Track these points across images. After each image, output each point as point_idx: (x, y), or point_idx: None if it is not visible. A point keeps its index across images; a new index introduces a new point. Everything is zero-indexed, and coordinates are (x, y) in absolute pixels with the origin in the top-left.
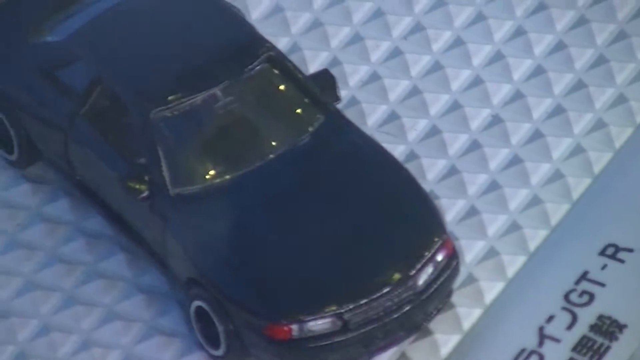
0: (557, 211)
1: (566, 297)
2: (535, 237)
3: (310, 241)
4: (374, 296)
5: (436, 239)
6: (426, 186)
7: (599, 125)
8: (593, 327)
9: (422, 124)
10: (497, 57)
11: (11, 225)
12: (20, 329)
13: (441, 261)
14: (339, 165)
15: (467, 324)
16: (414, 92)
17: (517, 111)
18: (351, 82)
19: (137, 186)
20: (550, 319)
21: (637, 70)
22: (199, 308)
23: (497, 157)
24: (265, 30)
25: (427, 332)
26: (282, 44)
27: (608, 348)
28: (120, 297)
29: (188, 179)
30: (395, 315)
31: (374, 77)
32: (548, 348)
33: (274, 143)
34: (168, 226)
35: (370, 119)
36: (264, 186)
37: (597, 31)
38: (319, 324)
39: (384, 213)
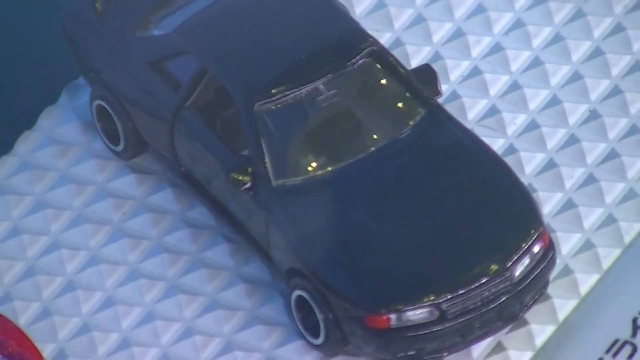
0: None
1: None
2: (631, 230)
3: (409, 232)
4: (472, 286)
5: (533, 231)
6: (524, 179)
7: None
8: None
9: (522, 119)
10: (596, 53)
11: (117, 215)
12: (123, 317)
13: (537, 253)
14: (439, 158)
15: (562, 315)
16: (514, 87)
17: (615, 107)
18: (452, 76)
19: (241, 177)
20: None
21: None
22: (299, 297)
23: (595, 151)
24: (369, 25)
25: (523, 322)
26: (385, 39)
27: None
28: (222, 286)
29: (291, 170)
30: (492, 306)
31: (475, 72)
32: None
33: (375, 136)
34: (270, 217)
35: (470, 113)
36: (365, 178)
37: None
38: (417, 314)
39: (482, 205)
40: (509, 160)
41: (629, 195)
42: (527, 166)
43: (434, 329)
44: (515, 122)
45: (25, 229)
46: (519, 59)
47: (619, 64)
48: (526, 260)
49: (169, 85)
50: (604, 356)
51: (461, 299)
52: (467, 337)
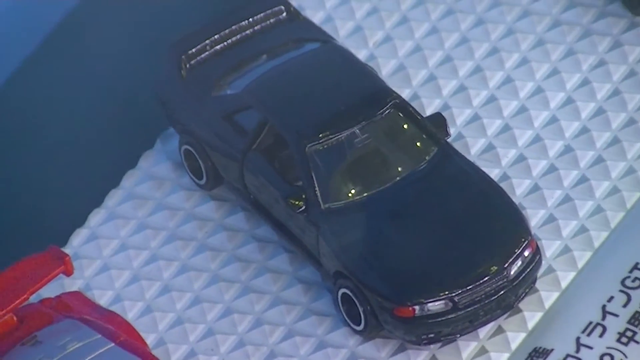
0: (615, 218)
1: (622, 282)
2: (599, 237)
3: (427, 242)
4: (477, 283)
5: (523, 239)
6: (516, 200)
7: None
8: None
9: (512, 153)
10: (568, 101)
11: (200, 234)
12: (208, 312)
13: (527, 256)
14: (449, 184)
15: (547, 304)
16: (506, 128)
17: (584, 142)
18: (458, 121)
19: (296, 202)
20: (610, 299)
21: None
22: (344, 294)
23: (569, 177)
24: (393, 83)
25: (517, 310)
26: (405, 93)
27: None
28: (284, 286)
29: (335, 196)
30: (493, 298)
31: (475, 118)
32: (609, 321)
33: (399, 169)
34: (320, 232)
35: (472, 149)
36: (392, 201)
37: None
38: (435, 305)
39: (483, 220)
40: (503, 185)
41: (597, 210)
42: (518, 189)
43: (449, 317)
44: (507, 156)
45: (130, 245)
46: (509, 107)
47: (586, 108)
48: (519, 262)
49: (238, 133)
50: (581, 335)
51: (469, 293)
52: (474, 322)
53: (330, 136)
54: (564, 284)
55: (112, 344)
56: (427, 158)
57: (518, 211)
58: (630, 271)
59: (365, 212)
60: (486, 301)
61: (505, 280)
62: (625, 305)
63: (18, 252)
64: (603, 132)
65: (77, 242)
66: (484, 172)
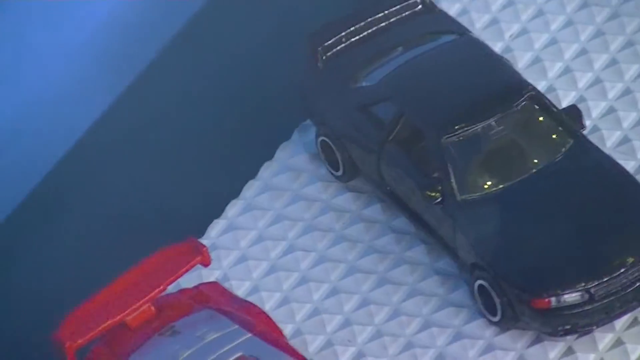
0: None
1: None
2: None
3: (563, 234)
4: (613, 275)
5: None
6: None
7: None
8: None
9: None
10: None
11: (338, 225)
12: (345, 303)
13: None
14: (585, 177)
15: None
16: None
17: None
18: (593, 114)
19: (433, 194)
20: None
21: None
22: (480, 286)
23: None
24: (528, 76)
25: None
26: (540, 86)
27: None
28: (420, 277)
29: (471, 188)
30: (630, 289)
31: (610, 110)
32: None
33: (535, 161)
34: (456, 224)
35: (608, 142)
36: (528, 193)
37: None
38: (572, 297)
39: (619, 212)
40: (639, 178)
41: None
42: None
43: (585, 308)
44: None
45: (267, 236)
46: None
47: None
48: None
49: (375, 125)
50: None
51: (605, 284)
52: (610, 314)
53: (466, 128)
54: None
55: (250, 335)
56: (562, 150)
57: None
58: None
59: (501, 204)
60: (622, 293)
61: None
62: None
63: (157, 243)
64: None
65: (214, 233)
66: (619, 165)
